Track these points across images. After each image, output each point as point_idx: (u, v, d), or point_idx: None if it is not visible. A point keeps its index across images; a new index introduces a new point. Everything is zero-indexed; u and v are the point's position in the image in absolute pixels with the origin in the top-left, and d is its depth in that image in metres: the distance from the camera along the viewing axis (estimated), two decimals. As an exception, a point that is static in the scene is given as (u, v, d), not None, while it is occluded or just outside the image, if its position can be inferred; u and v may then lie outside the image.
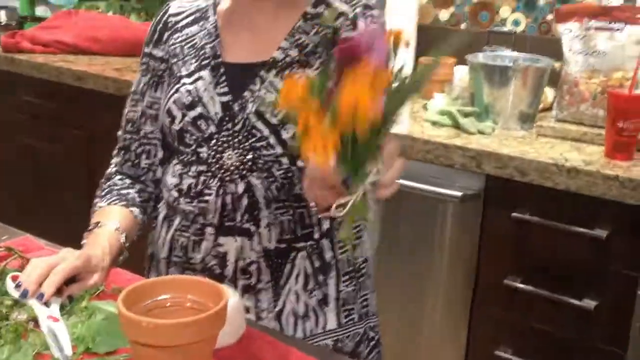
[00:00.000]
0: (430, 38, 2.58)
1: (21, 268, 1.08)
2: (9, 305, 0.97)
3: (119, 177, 1.34)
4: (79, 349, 0.93)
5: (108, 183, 1.34)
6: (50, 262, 1.02)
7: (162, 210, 1.32)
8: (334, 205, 0.90)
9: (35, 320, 0.95)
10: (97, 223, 1.20)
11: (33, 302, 0.96)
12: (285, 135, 1.16)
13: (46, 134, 2.90)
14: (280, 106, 0.89)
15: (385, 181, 0.91)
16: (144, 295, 0.89)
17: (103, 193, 1.31)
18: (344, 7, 1.23)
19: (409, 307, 2.06)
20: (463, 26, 2.58)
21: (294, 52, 1.21)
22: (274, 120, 1.17)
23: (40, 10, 3.36)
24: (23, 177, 3.02)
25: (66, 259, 1.04)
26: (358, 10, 1.22)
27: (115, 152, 1.36)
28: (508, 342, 1.91)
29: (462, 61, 2.32)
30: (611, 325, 1.76)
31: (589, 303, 1.76)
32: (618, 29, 1.93)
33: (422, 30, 2.59)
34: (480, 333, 1.97)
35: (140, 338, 0.82)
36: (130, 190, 1.31)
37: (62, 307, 0.99)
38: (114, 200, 1.28)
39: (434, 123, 2.08)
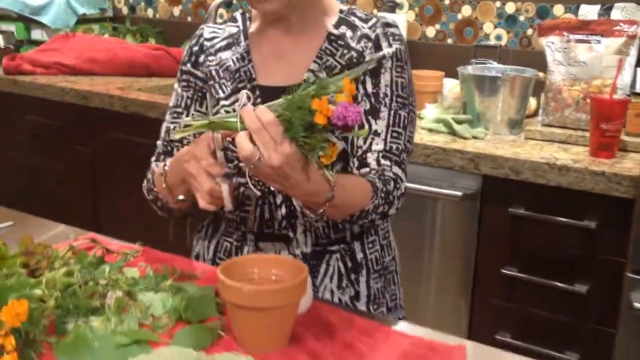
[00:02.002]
0: (418, 53, 2.78)
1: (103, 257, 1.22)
2: (104, 285, 1.10)
3: None
4: (173, 318, 1.07)
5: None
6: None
7: (207, 218, 1.44)
8: None
9: (131, 295, 1.09)
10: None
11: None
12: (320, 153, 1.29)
13: (50, 151, 3.01)
14: None
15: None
16: (236, 270, 1.03)
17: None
18: (365, 29, 1.32)
19: (415, 298, 2.22)
20: (449, 41, 2.78)
21: (322, 75, 1.30)
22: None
23: (36, 34, 3.46)
24: (29, 194, 3.11)
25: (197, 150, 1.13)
26: (379, 31, 1.32)
27: (154, 157, 1.45)
28: (507, 327, 2.08)
29: (448, 74, 2.52)
30: (602, 307, 1.93)
31: (581, 288, 1.94)
32: (596, 41, 2.13)
33: (410, 45, 2.78)
34: (481, 319, 2.13)
35: (240, 302, 0.97)
36: None
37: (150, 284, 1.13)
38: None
39: (430, 130, 2.26)
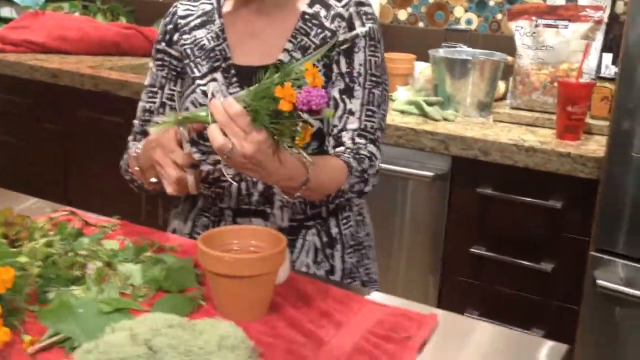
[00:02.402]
0: (390, 36, 2.81)
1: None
2: (84, 255, 1.11)
3: None
4: (153, 288, 1.09)
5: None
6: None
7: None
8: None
9: (110, 266, 1.10)
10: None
11: None
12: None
13: (20, 130, 2.98)
14: None
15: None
16: (216, 241, 1.06)
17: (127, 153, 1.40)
18: (338, 8, 1.34)
19: (385, 275, 2.26)
20: (420, 25, 2.82)
21: (297, 54, 1.32)
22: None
23: (5, 12, 3.41)
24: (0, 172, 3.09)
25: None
26: (352, 10, 1.33)
27: (131, 137, 1.45)
28: (475, 304, 2.14)
29: (420, 57, 2.55)
30: (567, 285, 2.00)
31: (547, 266, 2.00)
32: (563, 26, 2.19)
33: (382, 28, 2.80)
34: (449, 297, 2.19)
35: (221, 270, 0.99)
36: None
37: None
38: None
39: (402, 112, 2.30)
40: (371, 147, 1.31)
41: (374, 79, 1.33)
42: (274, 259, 1.02)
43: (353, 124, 1.31)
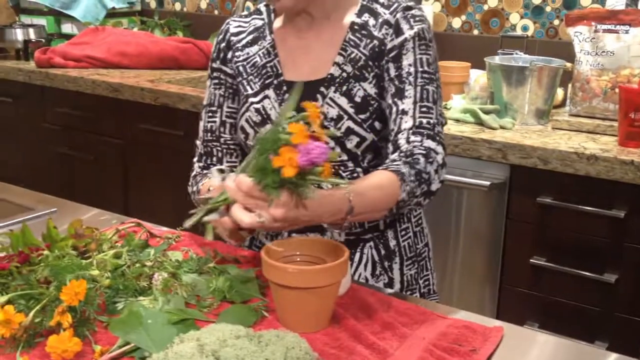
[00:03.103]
0: (444, 44, 2.80)
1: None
2: (150, 266, 1.14)
3: (206, 172, 1.43)
4: (217, 298, 1.10)
5: (197, 176, 1.43)
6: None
7: None
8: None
9: (176, 276, 1.13)
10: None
11: None
12: (349, 145, 1.29)
13: (81, 143, 3.07)
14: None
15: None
16: (278, 252, 1.07)
17: (197, 181, 1.41)
18: (386, 15, 1.32)
19: (442, 287, 2.25)
20: (475, 32, 2.80)
21: (348, 68, 1.30)
22: (338, 133, 1.28)
23: (66, 28, 3.53)
24: (63, 185, 3.18)
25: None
26: (399, 15, 1.31)
27: (196, 158, 1.47)
28: (535, 315, 2.10)
29: (474, 65, 2.53)
30: (631, 296, 1.95)
31: (610, 277, 1.96)
32: (624, 31, 2.14)
33: (436, 37, 2.79)
34: (509, 308, 2.16)
35: (285, 282, 1.00)
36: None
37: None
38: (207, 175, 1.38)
39: (457, 120, 2.28)
40: (428, 143, 1.25)
41: (426, 75, 1.29)
42: (337, 269, 1.02)
43: (407, 123, 1.26)
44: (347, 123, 1.28)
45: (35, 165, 3.30)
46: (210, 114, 1.44)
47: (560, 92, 2.41)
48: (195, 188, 1.41)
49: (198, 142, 1.47)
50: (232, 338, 0.88)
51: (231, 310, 1.06)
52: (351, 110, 1.28)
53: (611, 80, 2.16)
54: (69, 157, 3.13)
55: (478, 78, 2.46)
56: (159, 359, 0.87)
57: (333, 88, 1.30)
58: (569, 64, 2.29)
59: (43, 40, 3.36)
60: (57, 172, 3.21)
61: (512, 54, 2.45)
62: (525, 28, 2.69)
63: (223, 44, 1.43)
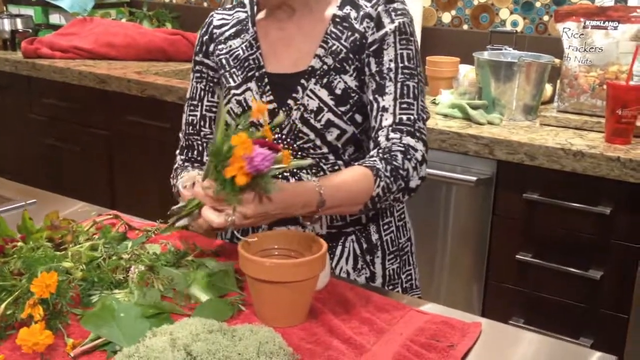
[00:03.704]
0: (434, 39, 2.79)
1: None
2: (126, 259, 1.13)
3: (187, 165, 1.44)
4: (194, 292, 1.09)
5: (177, 169, 1.43)
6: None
7: None
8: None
9: (153, 269, 1.11)
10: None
11: None
12: (329, 137, 1.28)
13: (68, 134, 3.04)
14: None
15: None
16: (255, 246, 1.05)
17: (178, 174, 1.41)
18: (367, 8, 1.30)
19: (429, 282, 2.24)
20: (465, 27, 2.78)
21: (329, 60, 1.29)
22: (318, 125, 1.27)
23: (54, 18, 3.49)
24: (48, 176, 3.15)
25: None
26: (380, 8, 1.29)
27: (178, 150, 1.47)
28: (520, 312, 2.10)
29: (464, 60, 2.52)
30: (615, 293, 1.95)
31: (595, 273, 1.95)
32: (613, 27, 2.13)
33: (426, 32, 2.79)
34: (494, 304, 2.15)
35: (262, 275, 0.99)
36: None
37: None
38: (190, 169, 1.38)
39: (445, 116, 2.27)
40: (408, 140, 1.24)
41: (407, 71, 1.28)
42: (314, 264, 1.01)
43: (387, 120, 1.25)
44: (327, 115, 1.27)
45: (21, 157, 3.27)
46: (192, 108, 1.44)
47: (549, 88, 2.40)
48: (175, 181, 1.40)
49: (180, 135, 1.47)
50: (204, 332, 0.87)
51: (207, 305, 1.05)
52: (331, 103, 1.27)
53: (599, 76, 2.15)
54: (55, 148, 3.10)
55: (467, 73, 2.45)
56: (130, 352, 0.86)
57: (314, 80, 1.29)
58: (557, 60, 2.28)
59: (30, 30, 3.33)
60: (43, 164, 3.18)
61: (501, 49, 2.44)
62: (515, 24, 2.68)
63: (206, 37, 1.42)
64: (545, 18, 2.61)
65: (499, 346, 1.04)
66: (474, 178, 2.09)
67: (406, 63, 1.28)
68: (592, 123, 2.12)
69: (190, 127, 1.43)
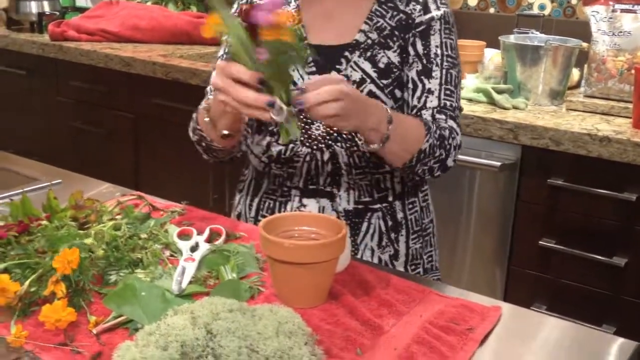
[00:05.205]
0: (459, 22, 2.76)
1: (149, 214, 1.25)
2: (145, 239, 1.14)
3: None
4: (214, 273, 1.10)
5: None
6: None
7: (249, 176, 1.47)
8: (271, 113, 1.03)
9: (169, 247, 1.12)
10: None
11: (182, 244, 1.14)
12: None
13: (94, 117, 3.07)
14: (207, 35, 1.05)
15: (309, 98, 1.04)
16: (277, 227, 1.06)
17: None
18: None
19: (451, 266, 2.24)
20: (491, 10, 2.75)
21: (374, 35, 1.34)
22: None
23: (80, 1, 3.52)
24: (74, 158, 3.19)
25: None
26: None
27: (204, 100, 1.40)
28: (543, 298, 2.09)
29: (490, 44, 2.50)
30: (640, 280, 1.93)
31: (620, 260, 1.93)
32: (642, 11, 2.10)
33: (452, 15, 2.76)
34: (516, 290, 2.14)
35: (281, 256, 0.99)
36: None
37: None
38: None
39: (470, 100, 2.25)
40: (451, 122, 1.33)
41: (450, 60, 1.35)
42: (334, 246, 1.01)
43: (432, 102, 1.33)
44: (369, 86, 1.32)
45: (48, 139, 3.31)
46: (227, 59, 1.39)
47: (576, 73, 2.37)
48: (193, 117, 1.37)
49: (208, 88, 1.43)
50: (225, 311, 0.88)
51: (227, 285, 1.06)
52: (374, 75, 1.32)
53: (627, 61, 2.11)
54: (81, 131, 3.13)
55: (493, 57, 2.43)
56: (151, 330, 0.86)
57: (357, 53, 1.33)
58: (585, 44, 2.25)
59: (57, 13, 3.36)
60: (69, 146, 3.22)
61: (528, 33, 2.41)
62: (542, 7, 2.64)
63: (245, 6, 1.40)
64: (574, 1, 2.58)
65: (519, 330, 1.04)
66: (498, 163, 2.07)
67: (450, 52, 1.35)
68: (619, 108, 2.09)
69: None
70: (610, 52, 2.14)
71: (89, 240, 1.04)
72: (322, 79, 1.10)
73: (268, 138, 1.36)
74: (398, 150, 1.23)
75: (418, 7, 1.35)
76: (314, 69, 1.34)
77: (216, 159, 1.41)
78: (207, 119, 1.25)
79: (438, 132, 1.28)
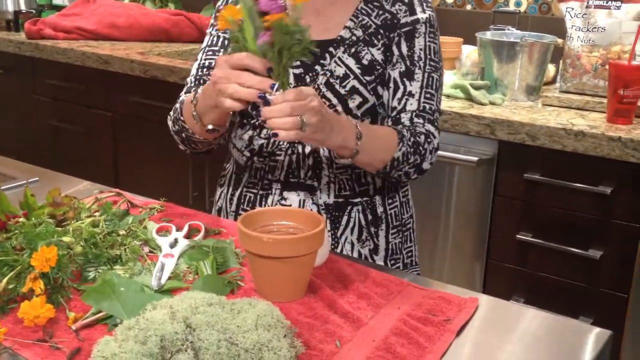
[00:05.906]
0: (437, 19, 2.77)
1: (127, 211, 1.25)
2: (124, 236, 1.14)
3: None
4: (193, 268, 1.10)
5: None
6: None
7: (230, 169, 1.48)
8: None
9: (147, 243, 1.12)
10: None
11: (161, 240, 1.14)
12: (351, 104, 1.33)
13: (71, 115, 3.05)
14: (220, 27, 1.07)
15: (264, 113, 1.05)
16: (255, 221, 1.06)
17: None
18: None
19: (430, 261, 2.25)
20: (468, 7, 2.77)
21: (358, 32, 1.36)
22: (342, 91, 1.33)
23: (57, -1, 3.49)
24: (52, 157, 3.16)
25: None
26: None
27: (183, 91, 1.43)
28: (521, 291, 2.11)
29: (467, 40, 2.52)
30: (615, 273, 1.95)
31: (595, 253, 1.96)
32: (616, 7, 2.12)
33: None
34: (495, 283, 2.16)
35: (260, 251, 1.00)
36: None
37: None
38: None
39: (448, 96, 2.27)
40: (429, 126, 1.35)
41: (432, 63, 1.37)
42: (312, 240, 1.02)
43: (412, 105, 1.35)
44: (352, 82, 1.33)
45: (25, 137, 3.28)
46: (209, 53, 1.43)
47: (552, 69, 2.39)
48: (177, 107, 1.37)
49: (189, 79, 1.44)
50: (204, 305, 0.88)
51: (206, 279, 1.06)
52: (357, 71, 1.34)
53: (602, 56, 2.14)
54: (59, 129, 3.11)
55: (470, 54, 2.45)
56: (130, 324, 0.87)
57: (342, 49, 1.35)
58: (560, 40, 2.27)
59: (34, 11, 3.33)
60: (47, 145, 3.20)
61: (504, 29, 2.44)
62: (518, 4, 2.66)
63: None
64: (549, -2, 2.60)
65: (499, 322, 1.05)
66: (476, 158, 2.09)
67: (432, 56, 1.37)
68: (594, 103, 2.12)
69: (205, 69, 1.41)
70: (584, 47, 2.17)
71: (67, 238, 1.04)
72: (291, 92, 1.07)
73: (250, 132, 1.38)
74: (369, 161, 1.26)
75: (404, 7, 1.37)
76: (298, 62, 1.34)
77: (193, 150, 1.41)
78: (194, 113, 1.25)
79: (412, 139, 1.30)
